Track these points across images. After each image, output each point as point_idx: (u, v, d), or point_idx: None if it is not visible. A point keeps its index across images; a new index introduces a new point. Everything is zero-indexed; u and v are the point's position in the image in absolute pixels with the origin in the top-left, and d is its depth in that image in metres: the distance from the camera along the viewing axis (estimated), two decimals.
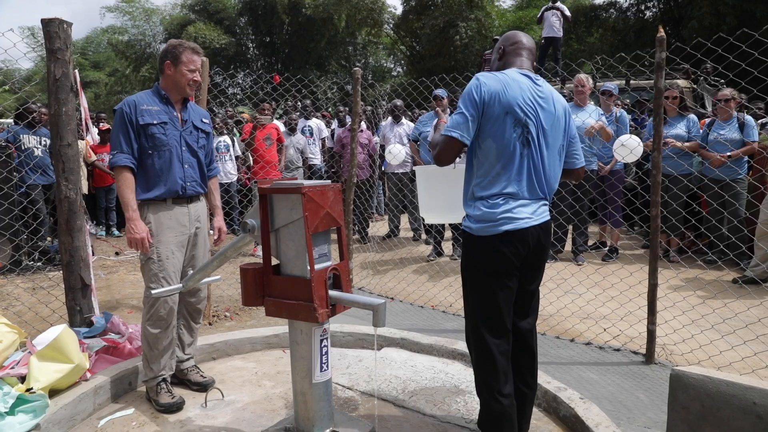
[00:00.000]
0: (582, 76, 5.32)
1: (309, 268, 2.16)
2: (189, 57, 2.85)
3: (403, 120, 7.17)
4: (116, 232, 8.20)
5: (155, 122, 2.80)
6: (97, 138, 6.66)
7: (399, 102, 7.09)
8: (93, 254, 3.74)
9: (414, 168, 2.87)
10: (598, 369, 3.27)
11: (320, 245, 2.26)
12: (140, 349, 3.26)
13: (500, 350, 2.22)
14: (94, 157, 7.52)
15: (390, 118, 7.34)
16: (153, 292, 2.62)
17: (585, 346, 3.62)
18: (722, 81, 8.57)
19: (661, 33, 3.04)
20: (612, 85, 5.76)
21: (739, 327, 3.41)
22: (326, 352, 2.32)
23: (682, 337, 3.46)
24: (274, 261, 2.31)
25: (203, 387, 3.01)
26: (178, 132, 2.88)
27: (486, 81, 2.14)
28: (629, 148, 3.95)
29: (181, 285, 2.72)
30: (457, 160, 2.27)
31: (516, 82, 2.15)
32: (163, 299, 2.81)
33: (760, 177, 5.22)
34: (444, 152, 2.19)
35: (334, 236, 2.39)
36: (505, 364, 2.24)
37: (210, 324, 4.07)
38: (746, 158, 5.36)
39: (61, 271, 3.43)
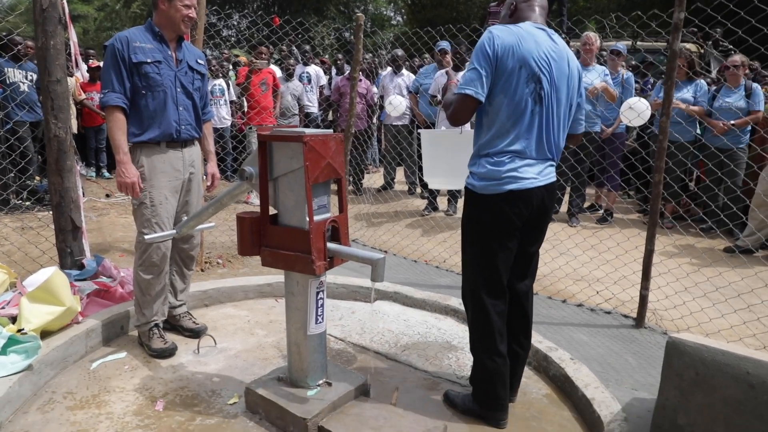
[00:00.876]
0: (591, 34, 5.17)
1: (308, 219, 2.11)
2: None
3: (404, 71, 6.99)
4: (107, 174, 8.06)
5: (149, 61, 2.67)
6: (87, 75, 6.44)
7: (400, 52, 6.89)
8: (83, 196, 3.65)
9: (419, 131, 2.78)
10: (589, 331, 3.30)
11: (320, 196, 2.20)
12: (132, 294, 3.23)
13: (497, 310, 2.21)
14: (83, 96, 7.29)
15: (390, 68, 7.15)
16: (146, 237, 2.56)
17: (577, 307, 3.64)
18: (730, 46, 8.40)
19: None
20: (621, 45, 5.61)
21: (731, 296, 3.44)
22: (322, 305, 2.30)
23: (674, 303, 3.49)
24: (272, 210, 2.26)
25: (196, 333, 3.01)
26: (172, 72, 2.75)
27: (499, 34, 2.04)
28: (637, 111, 3.86)
29: (174, 231, 2.66)
30: (462, 127, 2.22)
31: (531, 36, 2.06)
32: (155, 245, 2.76)
33: (763, 146, 5.17)
34: (459, 111, 2.11)
35: (333, 187, 2.32)
36: (501, 325, 2.24)
37: (202, 270, 4.04)
38: (749, 129, 5.29)
39: (51, 212, 3.36)
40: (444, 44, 6.18)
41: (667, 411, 1.95)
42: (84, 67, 4.88)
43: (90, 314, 2.99)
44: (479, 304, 2.24)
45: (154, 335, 2.84)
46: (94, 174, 7.92)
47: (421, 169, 5.94)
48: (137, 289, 2.85)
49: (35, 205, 5.80)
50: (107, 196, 6.72)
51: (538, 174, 2.14)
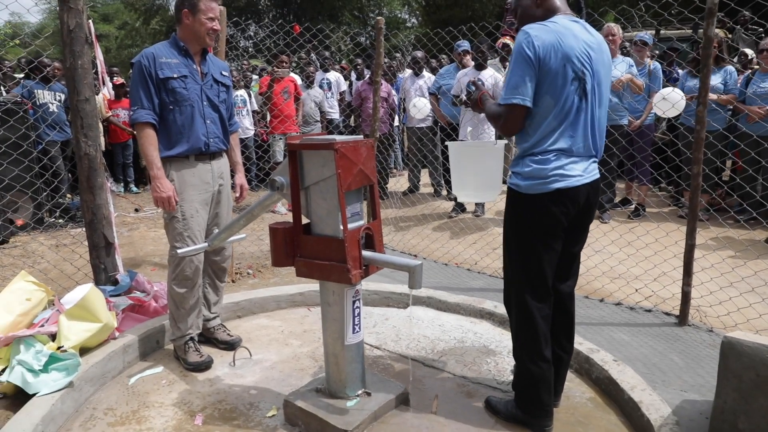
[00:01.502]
0: (612, 25, 5.05)
1: (342, 227, 2.08)
2: (207, 4, 2.69)
3: (424, 72, 6.94)
4: (135, 189, 8.18)
5: (175, 76, 2.68)
6: (113, 92, 6.56)
7: (420, 54, 6.84)
8: (114, 212, 3.68)
9: (447, 144, 2.71)
10: (630, 330, 3.20)
11: (353, 204, 2.18)
12: (166, 308, 3.24)
13: (542, 314, 2.15)
14: (109, 113, 7.41)
15: (410, 70, 7.11)
16: (179, 251, 2.56)
17: (615, 306, 3.54)
18: (760, 30, 8.14)
19: None
20: (647, 35, 5.47)
21: None
22: (359, 314, 2.27)
23: (718, 299, 3.36)
24: (304, 220, 2.23)
25: (231, 346, 3.00)
26: (198, 86, 2.76)
27: (537, 34, 1.95)
28: (671, 101, 3.75)
29: (206, 244, 2.66)
30: (496, 138, 2.16)
31: (569, 31, 1.98)
32: (188, 258, 2.76)
33: None
34: (510, 121, 2.03)
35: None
36: (546, 329, 2.17)
37: (233, 282, 4.05)
38: None
39: (83, 229, 3.39)
40: (464, 44, 6.11)
41: (725, 414, 1.86)
42: (110, 84, 4.96)
43: (126, 329, 3.01)
44: (524, 308, 2.16)
45: (189, 349, 2.84)
46: (122, 189, 8.05)
47: (447, 170, 5.89)
48: (171, 303, 2.85)
49: (68, 223, 5.91)
50: (136, 210, 6.81)
51: (583, 171, 2.07)
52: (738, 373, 1.81)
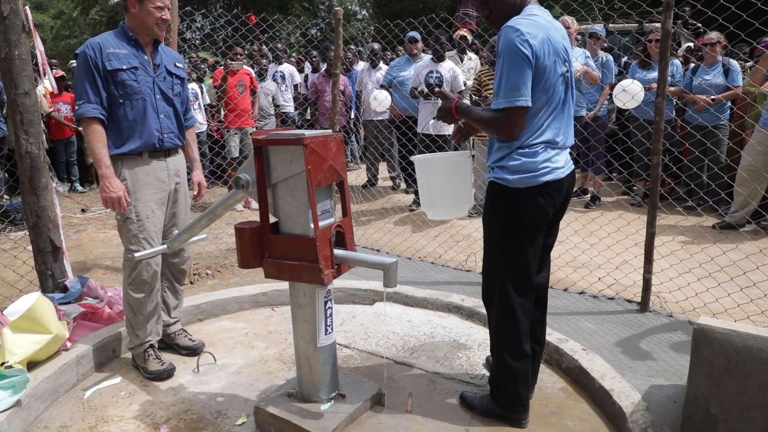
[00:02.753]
0: (567, 18, 5.12)
1: (312, 226, 2.00)
2: None
3: (381, 65, 6.87)
4: (80, 188, 7.76)
5: (124, 67, 2.50)
6: (56, 86, 6.18)
7: (377, 46, 6.77)
8: (59, 213, 3.45)
9: (412, 158, 2.58)
10: (595, 318, 3.26)
11: (323, 201, 2.09)
12: (121, 314, 3.07)
13: (524, 309, 2.14)
14: (51, 108, 6.99)
15: (367, 63, 7.02)
16: (136, 255, 2.41)
17: (579, 295, 3.60)
18: (699, 24, 8.49)
19: None
20: (599, 27, 5.59)
21: (736, 275, 3.42)
22: (330, 314, 2.20)
23: (677, 285, 3.47)
24: (271, 218, 2.13)
25: (193, 351, 2.87)
26: (150, 78, 2.60)
27: (529, 30, 1.87)
28: (631, 93, 3.83)
29: (165, 246, 2.51)
30: (469, 147, 2.10)
31: (552, 24, 1.98)
32: (145, 261, 2.60)
33: (741, 123, 5.22)
34: (516, 126, 1.93)
35: None
36: (527, 324, 2.17)
37: (192, 283, 3.88)
38: (728, 104, 5.33)
39: (25, 232, 3.17)
40: (413, 33, 6.06)
41: (698, 400, 1.90)
42: (52, 76, 4.64)
43: (78, 339, 2.82)
44: (507, 303, 2.12)
45: (149, 357, 2.69)
46: (68, 189, 7.62)
47: (409, 164, 5.85)
48: (128, 309, 2.69)
49: (8, 226, 5.53)
50: (83, 211, 6.46)
51: (565, 162, 2.08)
52: (709, 359, 1.84)
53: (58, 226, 3.23)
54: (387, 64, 7.35)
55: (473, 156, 2.24)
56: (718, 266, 3.51)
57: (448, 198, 2.45)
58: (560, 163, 2.03)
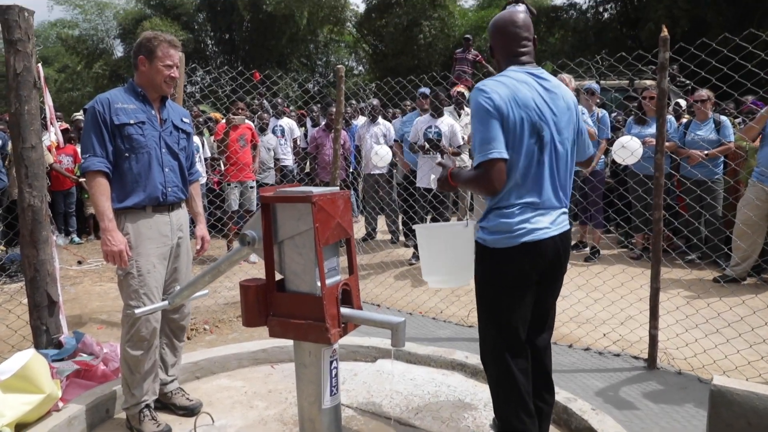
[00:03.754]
0: (565, 75, 5.27)
1: (319, 284, 1.97)
2: (165, 51, 2.59)
3: (380, 119, 6.99)
4: (77, 239, 7.72)
5: (132, 122, 2.54)
6: (62, 140, 6.24)
7: (376, 101, 6.91)
8: (58, 266, 3.41)
9: (414, 227, 2.61)
10: (602, 376, 3.19)
11: (329, 258, 2.07)
12: (116, 371, 2.99)
13: (520, 368, 2.09)
14: (55, 160, 7.05)
15: (366, 118, 7.15)
16: (136, 311, 2.36)
17: (584, 351, 3.54)
18: (688, 81, 8.76)
19: (665, 32, 2.97)
20: (594, 84, 5.75)
21: (744, 331, 3.38)
22: (336, 374, 2.13)
23: (685, 341, 3.42)
24: (277, 275, 2.10)
25: (190, 411, 2.77)
26: (157, 132, 2.63)
27: (493, 88, 1.95)
28: (630, 149, 3.89)
29: (166, 302, 2.46)
30: (467, 217, 2.11)
31: (522, 83, 1.99)
32: (144, 318, 2.55)
33: (736, 178, 5.30)
34: (495, 178, 1.92)
35: None
36: (526, 382, 2.11)
37: (189, 339, 3.79)
38: (723, 159, 5.42)
39: (21, 285, 3.11)
40: (424, 90, 6.21)
41: None
42: (59, 131, 4.68)
43: (71, 398, 2.73)
44: (502, 363, 2.09)
45: (145, 418, 2.59)
46: (67, 241, 7.58)
47: (411, 218, 5.87)
48: (125, 367, 2.61)
49: (3, 279, 5.44)
50: (79, 263, 6.39)
51: (551, 223, 2.04)
52: (729, 421, 1.79)
53: (56, 280, 3.19)
54: (386, 119, 7.50)
55: (475, 224, 2.23)
56: (725, 321, 3.48)
57: (450, 267, 2.44)
58: (541, 224, 2.00)
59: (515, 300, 2.05)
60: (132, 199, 2.56)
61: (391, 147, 6.86)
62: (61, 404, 2.64)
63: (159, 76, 2.58)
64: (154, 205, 2.62)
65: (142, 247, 2.57)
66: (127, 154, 2.54)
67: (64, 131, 7.42)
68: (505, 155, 1.91)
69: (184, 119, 2.81)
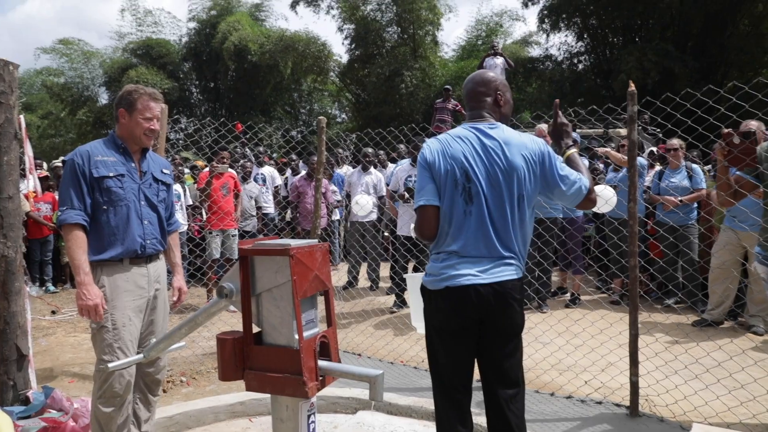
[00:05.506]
0: (543, 126, 5.44)
1: (297, 337, 1.95)
2: (145, 104, 2.61)
3: (371, 169, 7.06)
4: (52, 288, 7.55)
5: (111, 174, 2.55)
6: (40, 190, 6.20)
7: (369, 150, 6.98)
8: (29, 318, 3.33)
9: (405, 276, 2.72)
10: (585, 425, 3.16)
11: (307, 311, 2.06)
12: (86, 428, 2.89)
13: (445, 411, 2.14)
14: (28, 207, 6.96)
15: (357, 167, 7.22)
16: (110, 365, 2.29)
17: (566, 399, 3.51)
18: (659, 130, 9.08)
19: (632, 87, 3.10)
20: (573, 133, 5.93)
21: (722, 376, 3.40)
22: (314, 429, 2.09)
23: (665, 388, 3.42)
24: (255, 328, 2.09)
25: None
26: (136, 185, 2.64)
27: (429, 144, 2.18)
28: (604, 198, 3.99)
29: (141, 356, 2.40)
30: None
31: (458, 140, 2.14)
32: (118, 372, 2.48)
33: (709, 225, 5.44)
34: (424, 224, 2.14)
35: None
36: (449, 428, 2.13)
37: (165, 392, 3.69)
38: (696, 206, 5.57)
39: None
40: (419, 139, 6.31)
41: None
42: (38, 180, 4.65)
43: None
44: (436, 404, 2.20)
45: None
46: (42, 291, 7.41)
47: (394, 269, 5.87)
48: (95, 424, 2.53)
49: None
50: (53, 312, 6.23)
51: (480, 271, 2.05)
52: None
53: (26, 333, 3.11)
54: (381, 165, 7.59)
55: None
56: (704, 367, 3.50)
57: None
58: (464, 271, 2.06)
59: (441, 343, 2.15)
60: (109, 252, 2.54)
61: (382, 197, 6.93)
62: None
63: (138, 128, 2.61)
64: (132, 258, 2.60)
65: (118, 300, 2.53)
66: (105, 207, 2.54)
67: (44, 179, 7.38)
68: (433, 202, 2.10)
69: (164, 170, 2.83)
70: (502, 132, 2.14)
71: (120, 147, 2.63)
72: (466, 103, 2.28)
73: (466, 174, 2.07)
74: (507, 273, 2.08)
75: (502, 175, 2.07)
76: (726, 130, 2.86)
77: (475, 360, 2.19)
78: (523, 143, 2.13)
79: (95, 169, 2.52)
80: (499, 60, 11.07)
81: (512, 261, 2.11)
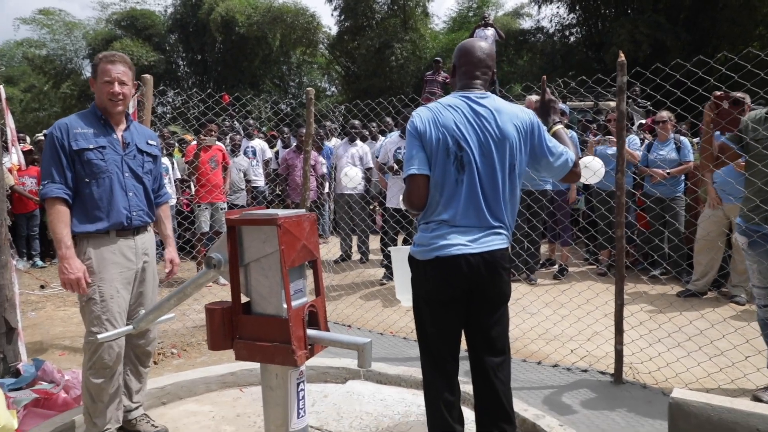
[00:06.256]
0: (533, 98, 5.40)
1: (285, 306, 1.96)
2: (103, 68, 2.53)
3: (357, 141, 7.02)
4: (39, 263, 7.51)
5: (91, 147, 2.50)
6: (23, 161, 6.10)
7: (356, 122, 6.93)
8: (17, 291, 3.32)
9: (389, 250, 2.70)
10: (570, 392, 3.24)
11: (295, 280, 2.07)
12: (78, 399, 2.91)
13: (435, 381, 2.16)
14: (16, 183, 6.88)
15: (344, 138, 7.18)
16: (99, 336, 2.30)
17: (553, 368, 3.59)
18: (649, 103, 9.09)
19: (622, 58, 3.09)
20: (563, 105, 5.91)
21: (704, 344, 3.48)
22: (303, 397, 2.12)
23: (649, 356, 3.49)
24: (243, 298, 2.10)
25: None
26: (119, 156, 2.59)
27: (419, 113, 2.14)
28: (592, 169, 4.01)
29: (131, 327, 2.41)
30: None
31: (449, 108, 2.11)
32: (107, 344, 2.49)
33: (695, 196, 5.49)
34: (413, 194, 2.11)
35: None
36: (439, 397, 2.15)
37: (156, 363, 3.72)
38: (683, 178, 5.62)
39: None
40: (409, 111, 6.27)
41: None
42: (21, 152, 4.56)
43: (29, 429, 2.64)
44: (423, 372, 2.22)
45: None
46: (29, 265, 7.36)
47: (384, 241, 5.89)
48: (87, 395, 2.54)
49: None
50: (42, 287, 6.22)
51: (470, 241, 2.06)
52: None
53: (15, 306, 3.11)
54: (371, 139, 7.54)
55: None
56: (686, 335, 3.57)
57: None
58: (455, 241, 2.05)
59: (430, 313, 2.15)
60: (95, 224, 2.52)
61: (368, 170, 6.91)
62: None
63: (102, 95, 2.55)
64: (118, 230, 2.58)
65: (105, 272, 2.52)
66: (87, 180, 2.50)
67: (28, 152, 7.27)
68: (424, 171, 2.07)
69: (150, 141, 2.79)
70: (494, 101, 2.14)
71: (100, 118, 2.58)
72: (464, 71, 2.19)
73: (458, 142, 2.05)
74: (496, 242, 2.10)
75: (494, 144, 2.07)
76: (718, 93, 2.85)
77: (462, 329, 2.22)
78: (514, 113, 2.13)
79: (74, 141, 2.47)
80: (490, 32, 10.97)
81: (501, 231, 2.12)
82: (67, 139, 2.47)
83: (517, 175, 2.13)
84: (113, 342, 2.50)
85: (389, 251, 2.48)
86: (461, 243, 2.06)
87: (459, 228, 2.07)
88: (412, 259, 2.18)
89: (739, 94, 3.41)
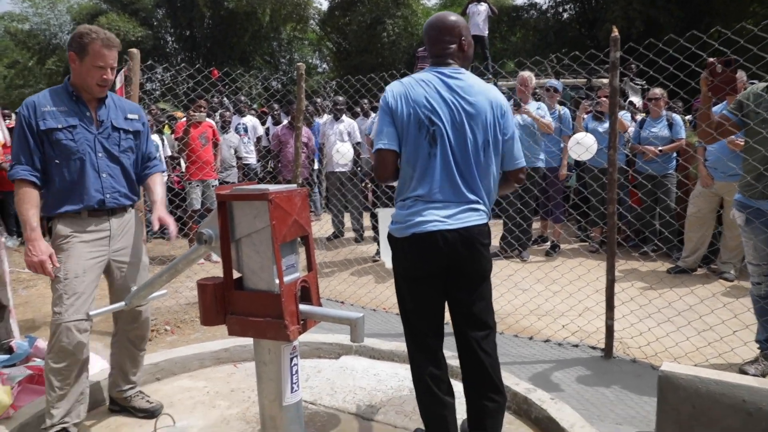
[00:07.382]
0: (526, 74, 5.37)
1: (277, 281, 1.96)
2: (97, 50, 2.37)
3: (344, 117, 6.97)
4: None
5: (60, 127, 2.38)
6: (8, 138, 6.00)
7: (341, 98, 6.88)
8: (8, 269, 3.29)
9: (376, 210, 2.69)
10: (561, 366, 3.28)
11: (287, 256, 2.06)
12: None
13: (418, 356, 2.19)
14: (2, 159, 6.77)
15: (330, 115, 7.13)
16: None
17: (544, 343, 3.62)
18: (643, 80, 9.05)
19: (615, 33, 3.06)
20: (556, 82, 5.88)
21: (693, 318, 3.52)
22: (296, 371, 2.13)
23: (639, 330, 3.54)
24: (235, 274, 2.09)
25: (151, 414, 2.71)
26: (92, 135, 2.46)
27: (392, 88, 2.13)
28: (585, 145, 4.00)
29: (123, 303, 2.41)
30: None
31: (421, 83, 2.09)
32: (65, 326, 2.35)
33: (686, 173, 5.51)
34: (380, 168, 2.12)
35: None
36: (424, 370, 2.17)
37: (150, 340, 3.71)
38: (675, 155, 5.63)
39: None
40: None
41: None
42: (6, 129, 4.48)
43: (23, 405, 2.64)
44: (408, 348, 2.25)
45: None
46: (18, 243, 7.30)
47: (374, 216, 5.88)
48: (47, 382, 2.38)
49: None
50: None
51: (446, 217, 2.05)
52: (676, 406, 1.87)
53: (5, 284, 3.09)
54: (351, 117, 7.48)
55: None
56: (676, 311, 3.61)
57: None
58: (431, 217, 2.04)
59: (409, 289, 2.17)
60: (66, 207, 2.43)
61: (357, 144, 6.87)
62: (12, 411, 2.56)
63: (90, 78, 2.41)
64: (90, 211, 2.48)
65: (73, 250, 2.42)
66: (57, 161, 2.40)
67: (13, 129, 7.16)
68: (391, 147, 2.07)
69: (130, 116, 2.61)
70: (468, 77, 2.14)
71: (72, 95, 2.44)
72: (429, 50, 2.19)
73: (430, 117, 2.04)
74: (474, 218, 2.09)
75: (467, 118, 2.07)
76: (710, 60, 2.84)
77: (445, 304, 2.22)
78: (488, 89, 2.15)
79: (42, 121, 2.36)
80: (483, 7, 10.84)
81: (478, 206, 2.11)
82: (34, 118, 2.36)
83: (492, 152, 2.12)
84: (72, 326, 2.36)
85: (377, 212, 2.49)
86: (437, 219, 2.05)
87: (435, 204, 2.06)
88: (390, 237, 2.18)
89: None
